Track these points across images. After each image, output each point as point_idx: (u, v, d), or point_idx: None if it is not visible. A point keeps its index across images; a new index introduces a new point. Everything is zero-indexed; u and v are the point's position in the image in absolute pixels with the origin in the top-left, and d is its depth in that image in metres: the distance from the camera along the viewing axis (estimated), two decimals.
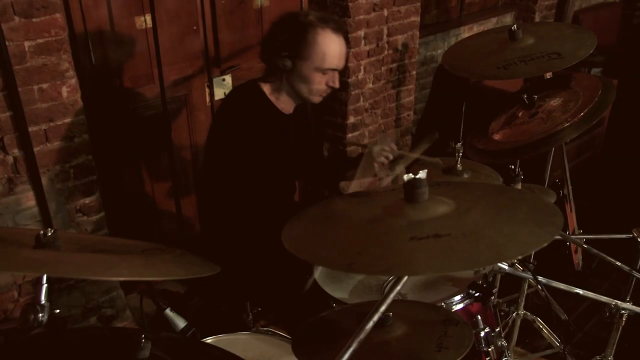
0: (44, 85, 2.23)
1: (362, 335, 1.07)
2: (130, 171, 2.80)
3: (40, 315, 1.03)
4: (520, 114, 1.87)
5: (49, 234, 1.00)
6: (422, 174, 1.10)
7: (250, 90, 2.09)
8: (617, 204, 3.78)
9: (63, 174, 2.38)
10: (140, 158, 2.82)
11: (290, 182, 2.31)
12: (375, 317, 1.06)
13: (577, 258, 3.29)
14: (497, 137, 1.84)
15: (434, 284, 1.78)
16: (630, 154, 4.25)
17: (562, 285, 1.50)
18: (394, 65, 3.53)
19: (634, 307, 1.62)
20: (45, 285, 1.04)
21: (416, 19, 3.50)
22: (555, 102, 1.83)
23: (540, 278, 1.45)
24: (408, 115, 3.78)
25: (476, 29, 4.21)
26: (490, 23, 4.26)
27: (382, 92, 3.53)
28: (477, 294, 1.66)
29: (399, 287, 1.03)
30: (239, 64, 3.06)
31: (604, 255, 1.67)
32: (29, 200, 2.34)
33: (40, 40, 2.17)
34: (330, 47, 1.93)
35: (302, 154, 2.29)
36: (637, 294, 2.08)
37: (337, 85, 2.04)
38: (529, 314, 2.54)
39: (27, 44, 2.14)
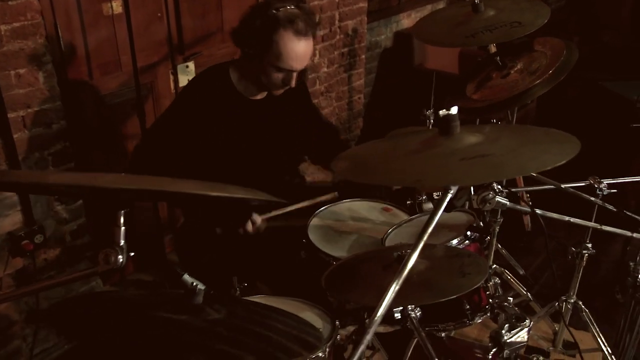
0: (21, 71, 2.20)
1: (412, 260, 1.18)
2: (104, 158, 2.78)
3: (120, 257, 1.07)
4: (494, 75, 2.06)
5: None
6: (454, 109, 1.24)
7: (217, 73, 2.16)
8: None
9: (42, 162, 2.35)
10: (113, 145, 2.81)
11: (261, 162, 2.34)
12: (425, 237, 1.18)
13: (527, 220, 3.57)
14: (475, 97, 2.02)
15: (432, 232, 1.93)
16: (558, 124, 4.62)
17: (555, 215, 1.69)
18: (345, 49, 3.68)
19: (615, 229, 1.83)
20: (123, 228, 1.09)
21: (364, 4, 3.67)
22: (524, 62, 2.04)
23: (537, 210, 1.62)
24: (359, 98, 3.95)
25: (414, 15, 4.44)
26: (426, 10, 4.50)
27: (335, 75, 3.67)
28: (474, 236, 1.82)
29: (446, 201, 1.16)
30: (201, 51, 3.10)
31: (581, 193, 1.87)
32: None
33: (16, 24, 2.14)
34: (287, 48, 1.96)
35: (283, 137, 2.36)
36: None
37: (292, 85, 2.07)
38: (497, 266, 2.75)
39: (3, 27, 2.12)
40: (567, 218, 1.69)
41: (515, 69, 2.03)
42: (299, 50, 1.98)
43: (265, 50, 1.96)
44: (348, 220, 2.26)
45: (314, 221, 2.23)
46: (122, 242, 1.08)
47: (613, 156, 3.58)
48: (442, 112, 1.24)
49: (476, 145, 1.19)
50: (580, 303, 2.46)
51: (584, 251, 2.33)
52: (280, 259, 2.28)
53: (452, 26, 2.25)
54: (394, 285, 1.15)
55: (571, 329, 2.51)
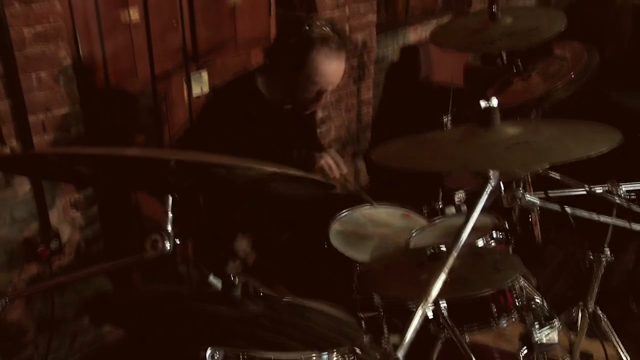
0: (42, 74, 2.20)
1: (458, 249, 1.18)
2: None
3: (167, 243, 1.06)
4: (514, 80, 2.09)
5: None
6: (494, 101, 1.25)
7: (244, 81, 2.18)
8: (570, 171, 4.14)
9: None
10: None
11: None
12: (469, 227, 1.17)
13: (537, 231, 3.57)
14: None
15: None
16: None
17: (585, 213, 1.69)
18: (355, 61, 3.71)
19: None
20: (170, 214, 1.08)
21: (373, 17, 3.71)
22: (542, 66, 2.06)
23: (566, 207, 1.62)
24: (368, 110, 3.97)
25: (420, 29, 4.49)
26: (432, 24, 4.55)
27: (345, 87, 3.70)
28: (500, 237, 1.82)
29: (487, 191, 1.16)
30: (215, 60, 3.11)
31: (605, 194, 1.87)
32: (25, 193, 2.28)
33: (39, 28, 2.15)
34: (321, 67, 2.01)
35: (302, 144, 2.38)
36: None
37: (322, 101, 2.13)
38: None
39: (26, 30, 2.12)
40: (596, 217, 1.69)
41: (536, 72, 2.05)
42: (331, 69, 2.03)
43: (300, 67, 2.00)
44: (368, 225, 2.26)
45: (335, 226, 2.22)
46: (169, 228, 1.06)
47: (621, 166, 3.61)
48: (483, 104, 1.24)
49: (517, 135, 1.19)
50: (599, 310, 2.45)
51: (602, 257, 2.33)
52: (300, 264, 2.27)
53: (470, 33, 2.28)
54: (441, 274, 1.15)
55: (590, 338, 2.50)
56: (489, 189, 1.22)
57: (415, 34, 4.48)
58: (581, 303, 2.45)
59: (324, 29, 2.04)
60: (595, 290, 2.43)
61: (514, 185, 1.71)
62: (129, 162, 0.88)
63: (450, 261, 1.14)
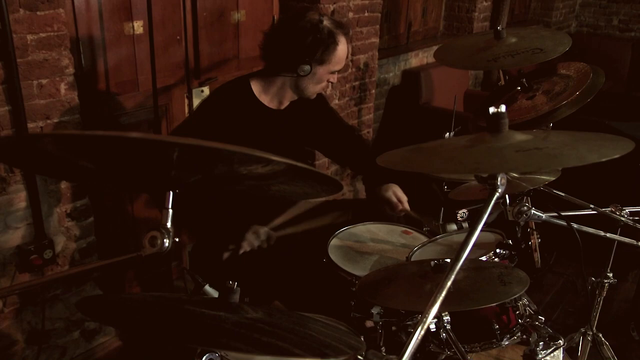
0: (44, 81, 2.19)
1: (462, 259, 1.14)
2: None
3: (166, 240, 1.03)
4: (519, 97, 2.08)
5: None
6: (503, 107, 1.23)
7: (238, 85, 2.17)
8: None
9: None
10: None
11: None
12: (475, 235, 1.14)
13: (536, 256, 3.54)
14: None
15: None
16: None
17: (591, 230, 1.66)
18: (357, 83, 3.71)
19: None
20: (170, 210, 1.04)
21: (376, 40, 3.73)
22: (546, 85, 2.06)
23: (573, 224, 1.59)
24: (368, 132, 3.96)
25: (421, 55, 4.52)
26: (432, 50, 4.58)
27: (346, 108, 3.69)
28: (504, 253, 1.79)
29: (494, 199, 1.13)
30: (217, 76, 3.11)
31: (610, 214, 1.85)
32: (21, 201, 2.24)
33: (42, 35, 2.14)
34: (343, 51, 2.09)
35: (302, 147, 2.38)
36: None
37: (335, 80, 2.20)
38: None
39: (29, 37, 2.11)
40: (602, 233, 1.67)
41: (541, 90, 2.05)
42: (346, 50, 2.12)
43: (326, 60, 2.03)
44: (368, 241, 2.22)
45: (334, 241, 2.19)
46: (169, 224, 1.03)
47: (621, 194, 3.60)
48: (492, 110, 1.22)
49: (527, 141, 1.17)
50: (601, 336, 2.40)
51: (605, 281, 2.29)
52: (297, 279, 2.23)
53: (474, 51, 2.28)
54: (446, 284, 1.11)
55: None
56: (496, 196, 1.19)
57: (417, 59, 4.50)
58: (583, 329, 2.42)
59: (326, 17, 2.08)
60: (597, 315, 2.39)
61: (518, 199, 1.70)
62: (131, 145, 0.85)
63: (456, 271, 1.11)
